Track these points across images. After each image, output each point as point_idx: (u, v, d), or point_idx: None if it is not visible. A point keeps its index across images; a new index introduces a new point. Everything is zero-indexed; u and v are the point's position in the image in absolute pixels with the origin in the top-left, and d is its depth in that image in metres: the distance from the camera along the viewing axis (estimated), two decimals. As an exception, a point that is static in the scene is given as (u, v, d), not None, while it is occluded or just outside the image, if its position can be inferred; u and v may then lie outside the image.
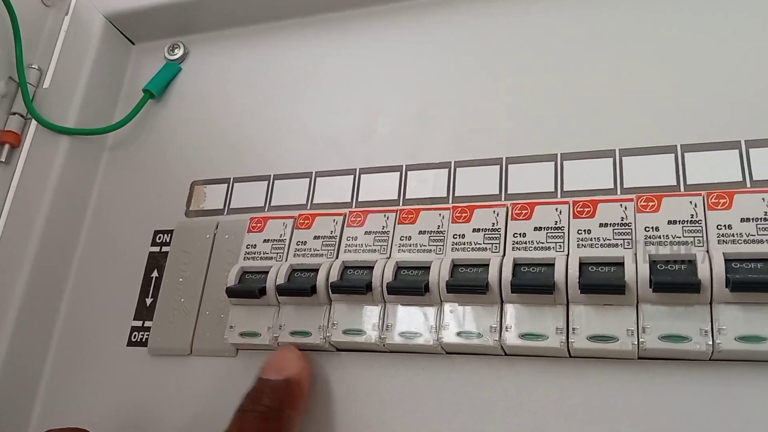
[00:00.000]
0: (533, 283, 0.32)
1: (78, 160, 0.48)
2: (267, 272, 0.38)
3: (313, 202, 0.42)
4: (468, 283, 0.33)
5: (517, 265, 0.34)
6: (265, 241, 0.40)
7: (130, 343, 0.43)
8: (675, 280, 0.30)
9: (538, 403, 0.33)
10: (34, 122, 0.48)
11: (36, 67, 0.50)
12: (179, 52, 0.51)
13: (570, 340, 0.32)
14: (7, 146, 0.48)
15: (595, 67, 0.39)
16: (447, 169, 0.39)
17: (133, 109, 0.49)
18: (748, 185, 0.33)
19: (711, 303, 0.30)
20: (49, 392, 0.44)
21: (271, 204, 0.43)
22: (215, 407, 0.38)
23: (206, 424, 0.38)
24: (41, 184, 0.46)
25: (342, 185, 0.42)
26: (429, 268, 0.35)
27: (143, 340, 0.42)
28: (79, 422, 0.38)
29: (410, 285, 0.34)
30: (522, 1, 0.43)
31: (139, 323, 0.43)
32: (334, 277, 0.36)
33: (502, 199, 0.37)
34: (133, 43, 0.54)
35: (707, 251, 0.31)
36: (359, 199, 0.41)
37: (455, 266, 0.35)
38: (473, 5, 0.44)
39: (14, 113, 0.49)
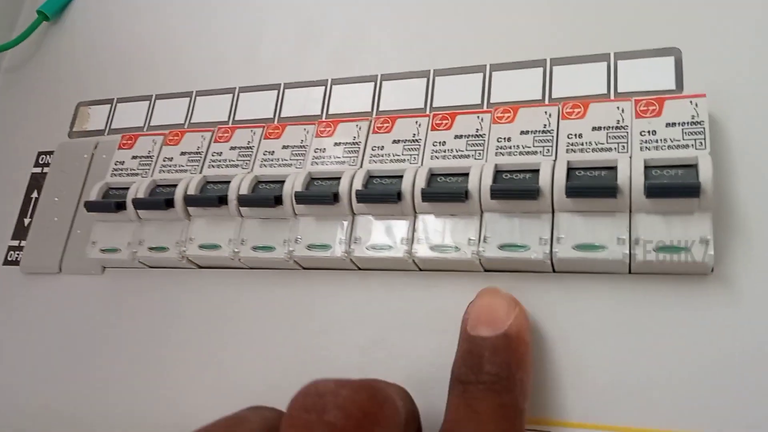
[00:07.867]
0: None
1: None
2: (127, 188, 0.37)
3: (192, 121, 0.41)
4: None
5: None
6: (133, 157, 0.39)
7: (6, 262, 0.42)
8: (514, 187, 0.30)
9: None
10: None
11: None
12: (75, -27, 0.49)
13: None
14: None
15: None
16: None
17: (25, 31, 0.47)
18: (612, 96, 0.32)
19: (553, 212, 0.30)
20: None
21: (151, 124, 0.42)
22: (84, 323, 0.38)
23: (77, 340, 0.38)
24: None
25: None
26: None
27: (18, 259, 0.42)
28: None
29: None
30: None
31: (16, 243, 0.42)
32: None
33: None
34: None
35: (554, 160, 0.30)
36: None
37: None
38: None
39: None
